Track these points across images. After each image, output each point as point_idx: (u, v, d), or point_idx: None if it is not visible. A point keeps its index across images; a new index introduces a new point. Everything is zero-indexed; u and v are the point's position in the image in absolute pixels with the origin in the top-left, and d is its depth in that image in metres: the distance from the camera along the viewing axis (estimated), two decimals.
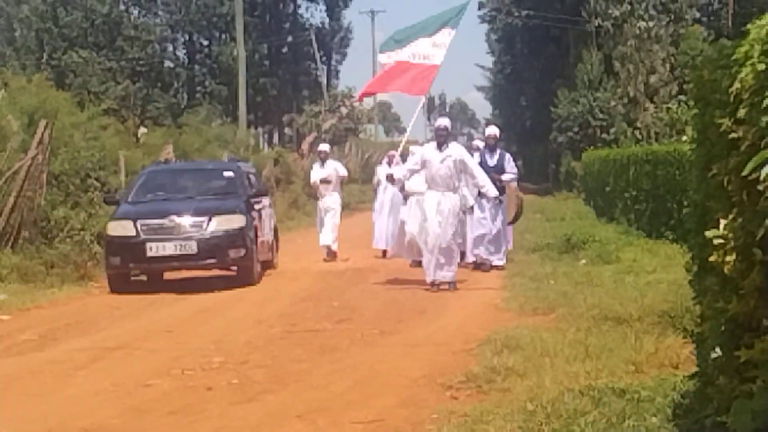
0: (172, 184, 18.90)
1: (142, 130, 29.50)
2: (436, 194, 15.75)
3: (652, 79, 42.07)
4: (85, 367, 10.20)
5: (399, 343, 11.26)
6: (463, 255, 17.69)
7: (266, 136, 73.15)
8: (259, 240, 18.01)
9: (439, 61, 17.48)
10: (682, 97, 38.00)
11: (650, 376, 8.13)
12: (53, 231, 18.06)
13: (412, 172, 16.35)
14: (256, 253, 17.57)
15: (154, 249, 16.48)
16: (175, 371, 9.82)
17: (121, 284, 16.68)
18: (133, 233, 16.58)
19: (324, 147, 23.75)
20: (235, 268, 17.58)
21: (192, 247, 16.64)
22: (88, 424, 7.73)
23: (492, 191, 16.45)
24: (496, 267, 18.23)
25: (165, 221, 16.77)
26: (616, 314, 11.33)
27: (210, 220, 16.90)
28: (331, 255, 21.64)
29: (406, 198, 18.26)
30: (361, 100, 23.50)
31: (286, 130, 66.23)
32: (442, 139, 16.11)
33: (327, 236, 21.71)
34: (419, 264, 16.69)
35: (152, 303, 15.35)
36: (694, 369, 5.80)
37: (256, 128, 57.95)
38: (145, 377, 9.55)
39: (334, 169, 22.79)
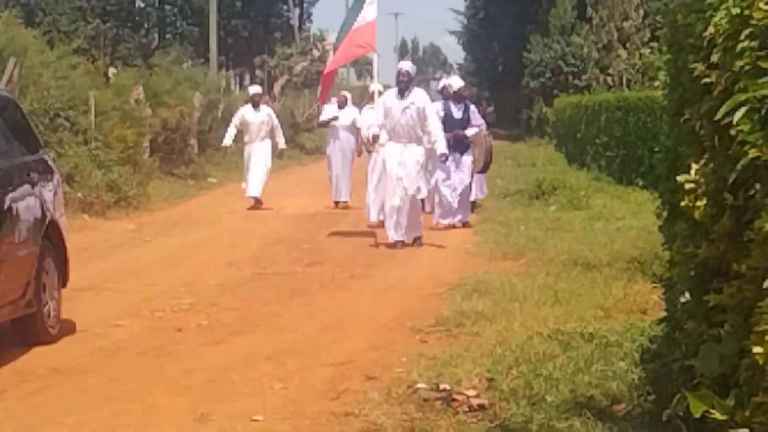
0: None
1: (112, 70, 29.21)
2: (398, 146, 14.34)
3: (626, 25, 41.96)
4: None
5: (369, 287, 11.30)
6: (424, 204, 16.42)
7: (238, 78, 72.67)
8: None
9: (374, 16, 15.56)
10: (654, 44, 37.97)
11: (618, 321, 8.21)
12: None
13: (383, 126, 14.59)
14: None
15: None
16: (145, 312, 9.83)
17: None
18: None
19: (255, 89, 22.40)
20: None
21: None
22: (57, 364, 7.72)
23: (441, 148, 14.34)
24: (464, 225, 16.65)
25: None
26: (585, 260, 11.42)
27: None
28: (258, 202, 20.54)
29: (370, 152, 16.98)
30: (323, 100, 20.91)
31: (258, 72, 65.72)
32: (404, 84, 14.51)
33: (255, 186, 20.54)
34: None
35: (121, 245, 15.29)
36: (663, 314, 5.83)
37: (227, 70, 57.38)
38: (114, 318, 9.55)
39: (268, 114, 21.33)
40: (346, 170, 20.82)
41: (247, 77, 70.85)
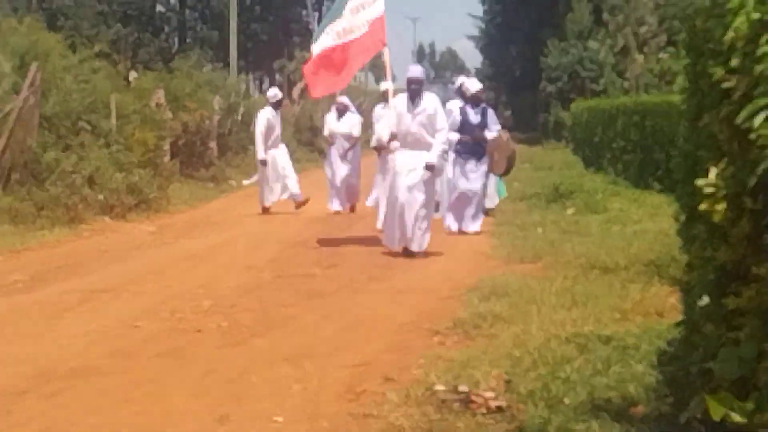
0: None
1: (133, 74, 29.34)
2: (409, 154, 13.92)
3: (641, 30, 41.88)
4: (75, 308, 10.21)
5: (387, 289, 11.32)
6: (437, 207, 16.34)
7: (257, 82, 72.85)
8: None
9: (382, 9, 14.75)
10: (672, 49, 37.90)
11: (636, 324, 8.22)
12: (44, 173, 17.96)
13: (395, 134, 14.15)
14: None
15: None
16: (164, 314, 9.84)
17: None
18: None
19: (279, 93, 21.45)
20: None
21: None
22: (77, 365, 7.75)
23: (431, 159, 13.86)
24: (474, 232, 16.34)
25: None
26: (602, 263, 11.42)
27: None
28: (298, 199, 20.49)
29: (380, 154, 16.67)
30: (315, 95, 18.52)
31: (277, 76, 65.91)
32: (415, 91, 14.11)
33: (293, 185, 20.53)
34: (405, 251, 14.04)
35: (141, 247, 15.34)
36: (680, 317, 5.83)
37: (247, 74, 57.70)
38: (133, 319, 9.57)
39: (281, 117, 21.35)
40: (352, 178, 20.45)
41: (267, 81, 71.04)
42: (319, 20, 79.83)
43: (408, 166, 13.91)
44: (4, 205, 16.61)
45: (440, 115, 14.20)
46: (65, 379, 7.38)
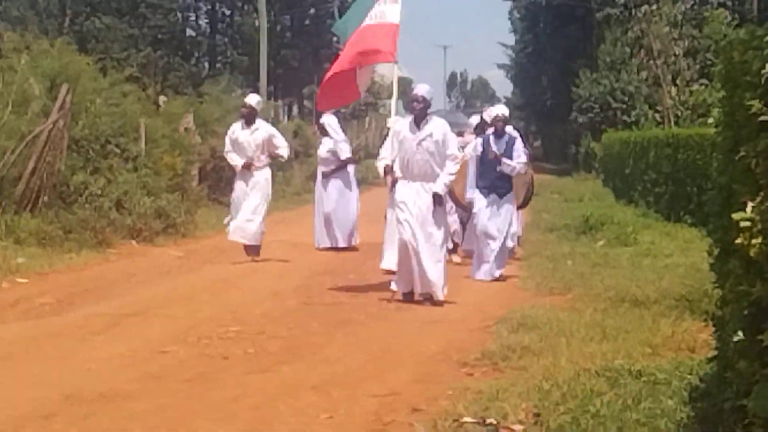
0: None
1: (163, 98, 29.49)
2: (413, 186, 12.32)
3: (670, 62, 41.79)
4: (102, 332, 10.22)
5: (415, 319, 11.29)
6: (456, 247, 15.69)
7: (286, 108, 73.03)
8: None
9: (397, 19, 13.28)
10: (704, 81, 37.81)
11: (667, 359, 8.14)
12: (72, 196, 18.04)
13: (395, 160, 12.61)
14: None
15: None
16: (192, 339, 9.84)
17: None
18: None
19: (250, 99, 17.18)
20: None
21: None
22: (105, 389, 7.73)
23: (437, 188, 12.25)
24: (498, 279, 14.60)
25: None
26: (633, 296, 11.36)
27: None
28: (254, 251, 16.54)
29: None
30: (321, 107, 16.93)
31: (306, 102, 66.14)
32: (419, 112, 12.36)
33: (248, 230, 16.42)
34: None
35: (169, 271, 15.36)
36: (712, 353, 5.78)
37: (276, 100, 57.81)
38: (161, 344, 9.57)
39: (267, 133, 16.62)
40: (340, 209, 18.57)
41: (296, 107, 71.31)
42: None
43: (411, 201, 12.30)
44: (32, 228, 16.63)
45: (450, 142, 12.46)
46: (93, 403, 7.37)
